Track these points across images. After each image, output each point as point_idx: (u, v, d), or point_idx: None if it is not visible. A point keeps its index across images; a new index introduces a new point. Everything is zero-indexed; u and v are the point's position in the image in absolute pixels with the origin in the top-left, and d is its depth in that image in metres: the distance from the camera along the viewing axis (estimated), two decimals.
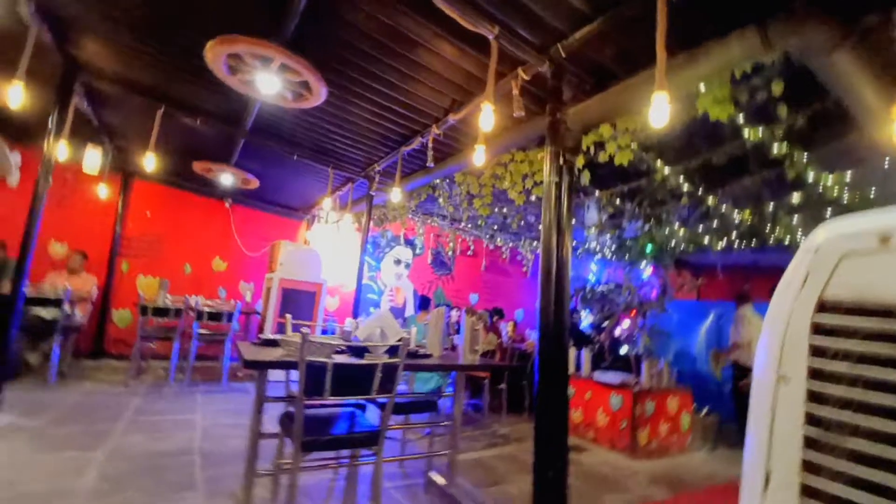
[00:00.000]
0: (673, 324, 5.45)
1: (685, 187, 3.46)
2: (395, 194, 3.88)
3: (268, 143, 4.48)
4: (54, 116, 3.43)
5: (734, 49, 1.95)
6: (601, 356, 5.37)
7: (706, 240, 4.25)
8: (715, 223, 4.04)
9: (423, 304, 4.95)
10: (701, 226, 4.19)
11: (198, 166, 5.39)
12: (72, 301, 4.63)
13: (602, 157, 2.83)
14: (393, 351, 2.03)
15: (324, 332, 4.55)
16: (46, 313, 4.46)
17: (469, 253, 8.73)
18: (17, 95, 2.87)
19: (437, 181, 4.61)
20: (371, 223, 5.14)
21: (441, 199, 4.81)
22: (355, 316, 5.18)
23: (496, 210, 4.33)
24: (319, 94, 3.04)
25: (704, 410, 4.64)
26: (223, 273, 6.72)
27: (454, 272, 8.68)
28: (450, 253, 8.36)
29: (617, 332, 5.44)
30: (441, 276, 8.48)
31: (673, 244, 4.26)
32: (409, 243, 7.96)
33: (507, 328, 5.69)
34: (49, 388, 4.17)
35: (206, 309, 4.99)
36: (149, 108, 3.91)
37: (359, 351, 2.00)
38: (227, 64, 2.84)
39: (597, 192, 4.10)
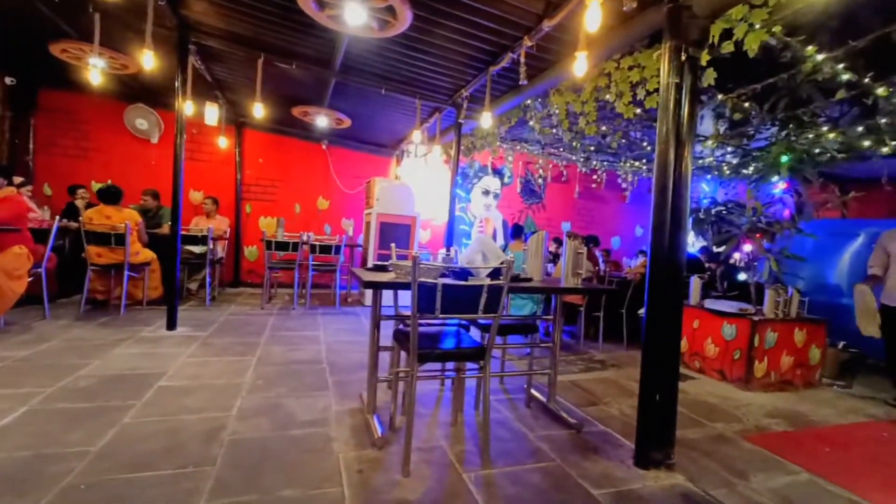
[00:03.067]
0: (808, 248, 4.69)
1: (844, 77, 2.77)
2: (486, 119, 3.73)
3: (357, 81, 4.53)
4: (178, 77, 3.82)
5: None
6: (712, 284, 4.94)
7: (867, 143, 3.43)
8: (883, 121, 3.22)
9: (516, 232, 4.90)
10: (860, 127, 3.38)
11: (296, 111, 5.71)
12: (213, 239, 5.46)
13: (725, 48, 2.34)
14: (496, 274, 2.07)
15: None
16: (197, 249, 5.35)
17: (562, 180, 8.30)
18: (148, 60, 3.24)
19: (529, 102, 4.31)
20: (460, 153, 5.08)
21: (533, 122, 4.52)
22: (448, 247, 5.35)
23: (597, 128, 3.95)
24: (404, 17, 2.93)
25: (841, 345, 4.11)
26: (327, 211, 7.32)
27: (545, 200, 8.38)
28: (540, 180, 8.03)
29: (735, 257, 4.87)
30: (531, 204, 8.26)
31: (818, 152, 3.52)
32: (498, 172, 7.79)
33: (602, 256, 5.45)
34: (206, 309, 5.09)
35: (317, 243, 5.53)
36: (250, 58, 4.15)
37: (463, 274, 2.08)
38: (316, 0, 2.85)
39: (719, 96, 3.51)
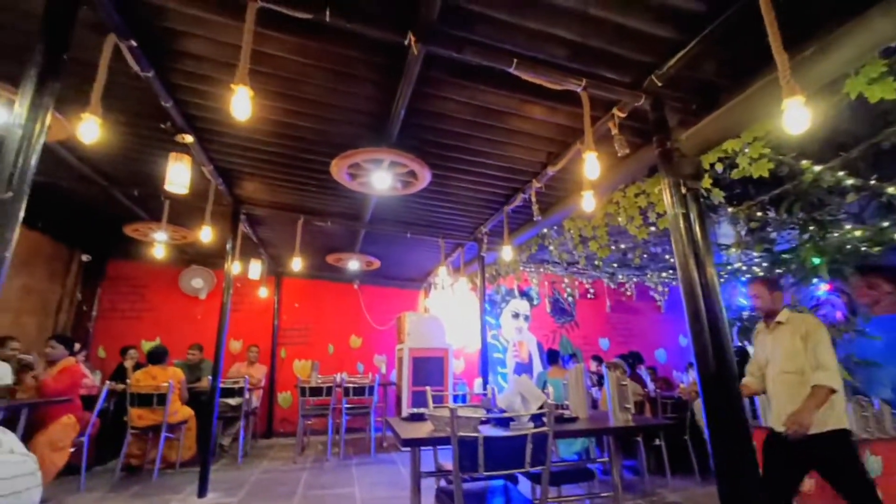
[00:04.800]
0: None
1: (849, 182, 2.89)
2: (506, 252, 3.95)
3: (384, 229, 5.00)
4: (230, 242, 4.33)
5: (879, 25, 1.67)
6: None
7: None
8: None
9: (552, 357, 4.74)
10: (886, 222, 3.37)
11: (330, 258, 6.20)
12: (250, 389, 5.47)
13: (735, 174, 2.53)
14: (538, 418, 1.97)
15: (454, 397, 4.59)
16: (233, 402, 5.32)
17: (589, 296, 8.26)
18: (206, 234, 3.74)
19: (546, 230, 4.58)
20: (485, 281, 5.24)
21: (552, 248, 4.74)
22: (483, 376, 5.16)
23: (613, 247, 4.09)
24: (424, 177, 3.35)
25: None
26: (359, 349, 7.35)
27: (576, 318, 8.22)
28: (569, 298, 8.01)
29: None
30: (563, 324, 8.10)
31: (850, 248, 3.47)
32: (525, 295, 7.86)
33: (649, 375, 5.08)
34: (238, 468, 4.84)
35: (351, 385, 5.44)
36: (291, 220, 4.71)
37: (503, 421, 1.98)
38: (348, 173, 3.33)
39: (729, 210, 3.65)
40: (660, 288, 6.71)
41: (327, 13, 1.90)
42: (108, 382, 4.62)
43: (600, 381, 5.22)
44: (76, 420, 3.80)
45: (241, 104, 1.74)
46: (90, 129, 2.02)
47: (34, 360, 3.95)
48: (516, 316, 7.71)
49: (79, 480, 3.95)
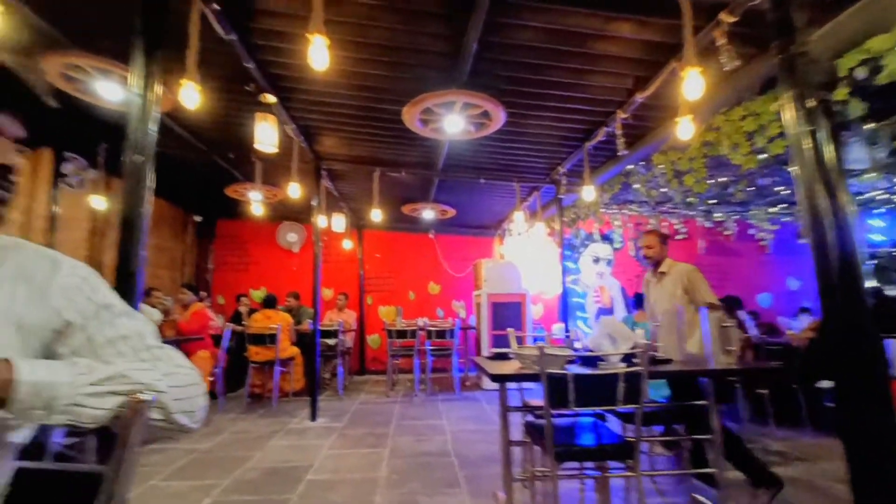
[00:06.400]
0: None
1: None
2: (588, 192, 3.73)
3: (458, 176, 4.97)
4: (315, 198, 4.61)
5: None
6: None
7: None
8: None
9: (639, 301, 4.52)
10: None
11: (406, 209, 6.37)
12: (343, 331, 6.04)
13: (882, 77, 2.06)
14: (628, 358, 1.92)
15: (534, 339, 4.64)
16: (330, 342, 5.93)
17: (679, 237, 7.60)
18: (295, 190, 4.01)
19: (631, 166, 4.22)
20: (563, 225, 5.06)
21: (638, 186, 4.38)
22: (564, 321, 5.13)
23: (711, 181, 3.66)
24: (498, 118, 3.21)
25: None
26: (438, 295, 7.66)
27: None
28: None
29: None
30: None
31: None
32: (606, 238, 7.47)
33: (752, 320, 4.66)
34: (339, 399, 5.47)
35: (433, 328, 5.75)
36: (368, 173, 4.86)
37: (591, 360, 1.97)
38: (420, 119, 3.30)
39: (865, 127, 3.04)
40: (765, 225, 5.93)
41: None
42: (228, 324, 5.38)
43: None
44: (210, 355, 4.51)
45: (318, 53, 1.76)
46: (191, 95, 2.19)
47: (171, 305, 4.71)
48: (597, 260, 7.41)
49: (217, 404, 4.76)
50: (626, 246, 7.65)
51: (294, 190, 4.06)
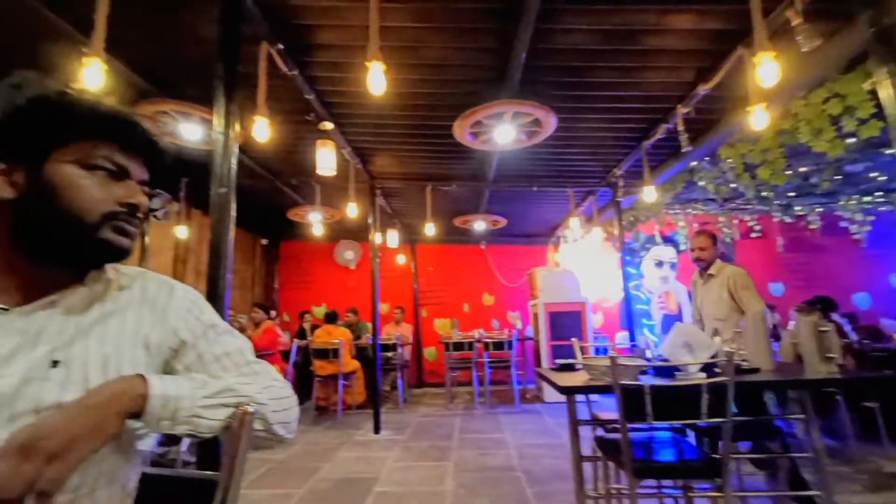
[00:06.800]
0: None
1: None
2: (648, 193, 3.56)
3: (509, 185, 4.95)
4: (371, 216, 4.78)
5: None
6: None
7: None
8: None
9: None
10: None
11: (457, 221, 6.42)
12: (401, 344, 6.14)
13: None
14: (709, 367, 1.79)
15: (597, 350, 4.45)
16: (389, 354, 6.06)
17: (754, 234, 6.99)
18: (353, 210, 4.19)
19: (695, 163, 3.98)
20: (623, 229, 4.86)
21: (704, 183, 4.11)
22: (629, 329, 4.89)
23: (790, 172, 3.35)
24: (550, 124, 3.17)
25: None
26: (492, 306, 7.60)
27: (737, 261, 7.10)
28: (727, 240, 6.93)
29: None
30: None
31: None
32: (669, 240, 7.05)
33: (849, 323, 4.16)
34: (400, 411, 5.54)
35: (490, 340, 5.69)
36: (420, 188, 4.97)
37: (667, 370, 1.85)
38: (471, 132, 3.34)
39: None
40: (858, 217, 5.28)
41: None
42: (295, 340, 5.67)
43: (775, 333, 4.49)
44: (280, 369, 4.76)
45: (376, 79, 1.85)
46: (262, 129, 2.38)
47: (245, 323, 5.05)
48: (660, 264, 7.00)
49: None
50: None
51: (352, 210, 4.25)
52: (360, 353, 5.80)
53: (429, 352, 7.55)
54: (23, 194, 0.65)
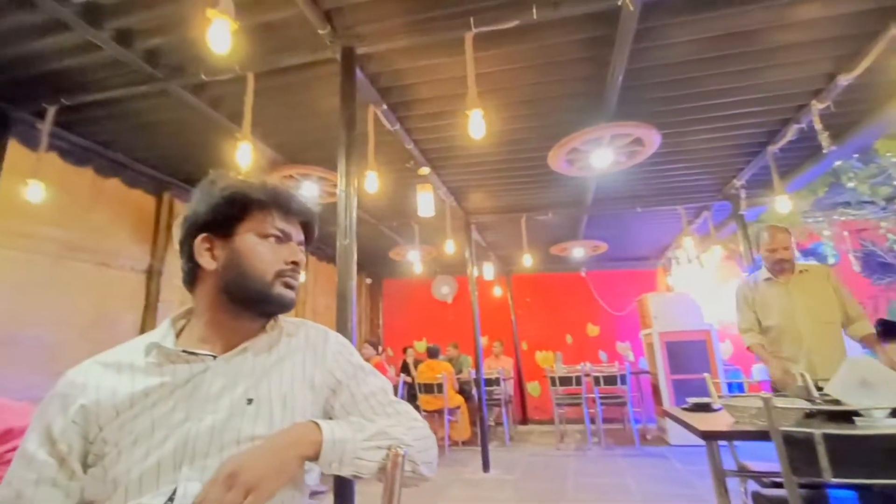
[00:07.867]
0: None
1: None
2: (781, 203, 3.11)
3: (609, 208, 4.72)
4: (467, 251, 4.89)
5: None
6: None
7: None
8: None
9: (888, 330, 3.36)
10: None
11: (554, 249, 6.24)
12: (503, 378, 6.02)
13: None
14: None
15: (730, 386, 3.87)
16: (492, 389, 5.96)
17: None
18: (450, 247, 4.34)
19: (839, 162, 3.41)
20: (749, 245, 4.28)
21: (854, 184, 3.48)
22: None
23: None
24: (653, 142, 2.99)
25: None
26: (598, 337, 7.12)
27: None
28: (894, 247, 5.68)
29: None
30: (886, 284, 5.81)
31: None
32: (812, 253, 6.02)
33: None
34: (507, 449, 5.35)
35: (599, 374, 5.31)
36: (514, 220, 4.98)
37: (842, 415, 1.53)
38: (566, 160, 3.29)
39: None
40: None
41: (534, 11, 1.93)
42: (401, 375, 5.89)
43: None
44: None
45: (477, 125, 1.94)
46: (372, 182, 2.62)
47: None
48: None
49: None
50: (843, 260, 6.03)
51: (449, 247, 4.39)
52: (461, 388, 5.80)
53: (532, 386, 7.27)
54: (220, 264, 0.80)
